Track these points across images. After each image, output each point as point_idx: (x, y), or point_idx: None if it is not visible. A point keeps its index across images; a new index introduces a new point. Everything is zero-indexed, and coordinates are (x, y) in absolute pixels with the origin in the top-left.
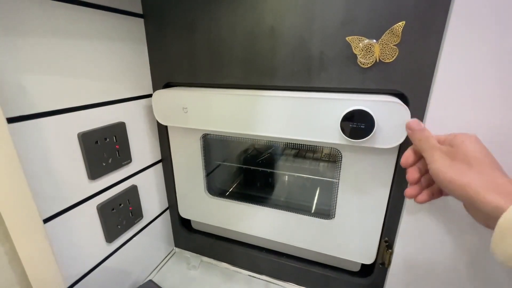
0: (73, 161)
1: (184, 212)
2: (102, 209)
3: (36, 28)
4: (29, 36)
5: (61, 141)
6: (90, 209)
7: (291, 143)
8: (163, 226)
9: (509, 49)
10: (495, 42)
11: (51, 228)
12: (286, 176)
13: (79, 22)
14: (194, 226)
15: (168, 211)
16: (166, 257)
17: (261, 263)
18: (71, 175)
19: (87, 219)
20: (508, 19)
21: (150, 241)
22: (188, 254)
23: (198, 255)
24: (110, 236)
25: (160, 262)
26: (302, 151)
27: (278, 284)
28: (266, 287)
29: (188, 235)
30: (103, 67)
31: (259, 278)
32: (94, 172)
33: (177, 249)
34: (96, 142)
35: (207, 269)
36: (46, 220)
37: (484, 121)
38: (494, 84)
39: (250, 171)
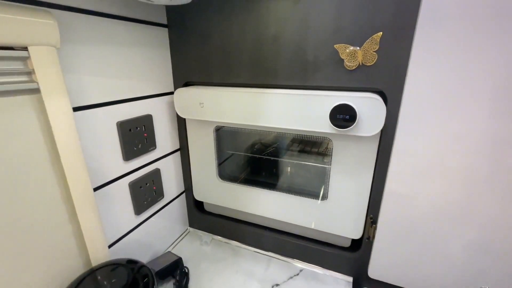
0: (113, 144)
1: (198, 195)
2: (133, 186)
3: (91, 39)
4: (85, 45)
5: (105, 127)
6: (123, 185)
7: (291, 137)
8: (179, 207)
9: (464, 51)
10: (453, 48)
11: (97, 197)
12: (288, 164)
13: (120, 33)
14: (206, 208)
15: (184, 194)
16: (181, 235)
17: (265, 241)
18: (111, 156)
19: (121, 193)
20: (463, 27)
21: (169, 218)
22: (200, 233)
23: (209, 234)
24: (138, 209)
25: (176, 239)
26: (302, 145)
27: (279, 259)
28: (269, 261)
29: (201, 216)
30: (135, 69)
31: (263, 254)
32: (128, 154)
33: (191, 229)
34: (130, 130)
35: (218, 245)
36: (94, 190)
37: (450, 113)
38: (455, 81)
39: (256, 160)
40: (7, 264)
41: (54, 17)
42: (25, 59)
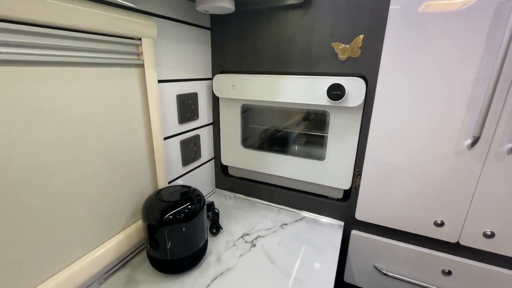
0: (173, 110)
1: (225, 160)
2: (183, 143)
3: (168, 35)
4: (164, 39)
5: (170, 97)
6: (176, 141)
7: (302, 116)
8: (209, 170)
9: (415, 50)
10: (409, 47)
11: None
12: (297, 134)
13: (182, 32)
14: (230, 172)
15: (213, 160)
16: (209, 193)
17: (276, 196)
18: (172, 118)
19: (175, 147)
20: (414, 34)
21: (202, 177)
22: (225, 192)
23: (232, 192)
24: (184, 162)
25: (206, 194)
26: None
27: (287, 209)
28: (279, 211)
29: (226, 179)
30: (188, 58)
31: (274, 206)
32: (182, 119)
33: (216, 189)
34: (184, 101)
35: (239, 201)
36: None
37: (410, 90)
38: (412, 69)
39: (273, 132)
40: (113, 181)
41: (155, 21)
42: (138, 45)
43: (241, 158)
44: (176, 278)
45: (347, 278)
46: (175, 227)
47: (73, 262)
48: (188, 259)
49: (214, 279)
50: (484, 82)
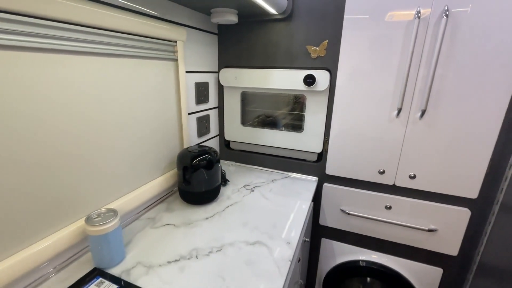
0: (192, 93)
1: (227, 136)
2: (198, 119)
3: (191, 39)
4: (188, 42)
5: (191, 84)
6: (194, 118)
7: (287, 100)
8: (215, 143)
9: (364, 48)
10: (358, 51)
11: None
12: (282, 114)
13: (199, 38)
14: (232, 146)
15: (218, 137)
16: None
17: (267, 162)
18: (191, 100)
19: (193, 122)
20: (361, 42)
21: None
22: (227, 162)
23: (233, 162)
24: (199, 133)
25: None
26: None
27: (276, 172)
28: (270, 172)
29: (228, 151)
30: (202, 56)
31: (266, 170)
32: (198, 100)
33: (221, 161)
34: (199, 88)
35: (239, 167)
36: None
37: (358, 78)
38: (360, 65)
39: (265, 113)
40: (156, 141)
41: (185, 29)
42: (174, 46)
43: (240, 134)
44: (200, 207)
45: (321, 221)
46: (200, 169)
47: (138, 188)
48: (208, 193)
49: (226, 207)
50: (403, 72)
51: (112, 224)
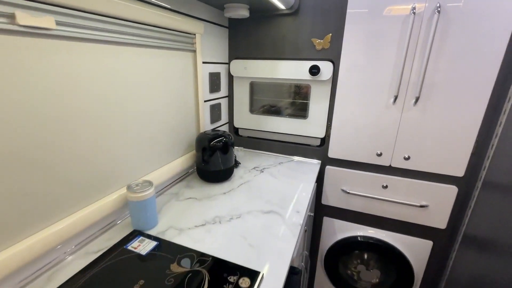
0: (206, 82)
1: (237, 124)
2: (211, 107)
3: (206, 31)
4: (205, 34)
5: (205, 73)
6: (208, 105)
7: (293, 90)
8: (225, 130)
9: (364, 41)
10: (358, 44)
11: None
12: (288, 102)
13: (212, 31)
14: (240, 133)
15: (227, 124)
16: None
17: (274, 147)
18: (205, 88)
19: (207, 109)
20: (361, 36)
21: None
22: (236, 147)
23: (242, 147)
24: (212, 120)
25: None
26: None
27: (282, 156)
28: (276, 157)
29: (237, 138)
30: (215, 48)
31: (273, 154)
32: (211, 89)
33: None
34: (212, 77)
35: (247, 153)
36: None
37: (359, 70)
38: (360, 57)
39: (272, 101)
40: (177, 124)
41: (202, 23)
42: (193, 38)
43: (248, 121)
44: (216, 185)
45: (323, 201)
46: (217, 150)
47: (162, 166)
48: (223, 172)
49: (240, 184)
50: (399, 63)
51: (149, 192)
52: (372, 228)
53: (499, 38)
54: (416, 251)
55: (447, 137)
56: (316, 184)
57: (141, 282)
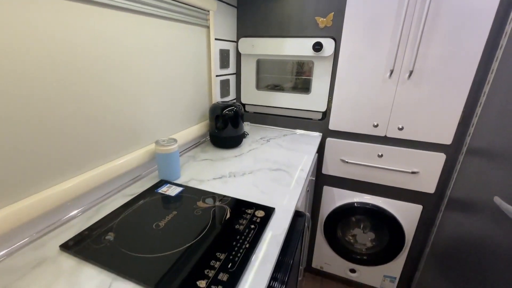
0: (217, 58)
1: (244, 100)
2: (221, 82)
3: (219, 11)
4: (217, 12)
5: (216, 50)
6: (218, 80)
7: (296, 67)
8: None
9: (364, 19)
10: (358, 23)
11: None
12: (293, 78)
13: (223, 9)
14: (247, 109)
15: (235, 100)
16: None
17: (278, 121)
18: (216, 64)
19: (218, 84)
20: (361, 17)
21: None
22: (244, 122)
23: (249, 122)
24: (222, 95)
25: None
26: (298, 73)
27: (286, 129)
28: (281, 130)
29: (244, 113)
30: (225, 26)
31: (277, 128)
32: (222, 65)
33: None
34: (223, 54)
35: (253, 127)
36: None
37: (357, 46)
38: (359, 33)
39: (277, 78)
40: (192, 95)
41: (215, 1)
42: (207, 14)
43: (255, 97)
44: (228, 150)
45: (324, 171)
46: (229, 118)
47: (182, 130)
48: (234, 138)
49: (249, 150)
50: (395, 38)
51: (174, 146)
52: (368, 195)
53: (485, 17)
54: (407, 215)
55: (437, 108)
56: (317, 154)
57: (174, 212)
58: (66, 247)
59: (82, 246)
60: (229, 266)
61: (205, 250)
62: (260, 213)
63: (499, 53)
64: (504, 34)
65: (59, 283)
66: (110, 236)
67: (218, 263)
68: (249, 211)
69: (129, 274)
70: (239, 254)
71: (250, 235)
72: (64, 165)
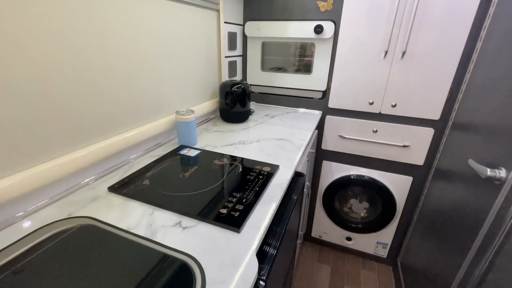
0: (225, 40)
1: (250, 80)
2: (229, 63)
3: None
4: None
5: (225, 33)
6: (226, 61)
7: (298, 49)
8: None
9: (362, 4)
10: (358, 8)
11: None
12: (295, 60)
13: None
14: (252, 89)
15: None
16: None
17: (281, 101)
18: (225, 46)
19: (226, 64)
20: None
21: None
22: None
23: (254, 102)
24: (229, 75)
25: None
26: (301, 55)
27: (289, 108)
28: (284, 109)
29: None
30: (232, 10)
31: (281, 107)
32: (230, 47)
33: None
34: (231, 36)
35: (258, 106)
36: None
37: (355, 29)
38: (357, 18)
39: (281, 60)
40: (203, 73)
41: None
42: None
43: (260, 77)
44: (236, 124)
45: (323, 146)
46: (238, 95)
47: (194, 106)
48: (242, 113)
49: (256, 124)
50: (389, 24)
51: (192, 116)
52: (364, 168)
53: (471, 1)
54: (399, 186)
55: (427, 86)
56: (317, 131)
57: (195, 167)
58: (113, 189)
59: (125, 188)
60: (243, 201)
61: (224, 191)
62: (267, 168)
63: (483, 34)
64: (487, 15)
65: (114, 210)
66: (147, 182)
67: (234, 199)
68: (258, 167)
69: (165, 207)
70: (251, 194)
71: (259, 182)
72: (106, 126)
